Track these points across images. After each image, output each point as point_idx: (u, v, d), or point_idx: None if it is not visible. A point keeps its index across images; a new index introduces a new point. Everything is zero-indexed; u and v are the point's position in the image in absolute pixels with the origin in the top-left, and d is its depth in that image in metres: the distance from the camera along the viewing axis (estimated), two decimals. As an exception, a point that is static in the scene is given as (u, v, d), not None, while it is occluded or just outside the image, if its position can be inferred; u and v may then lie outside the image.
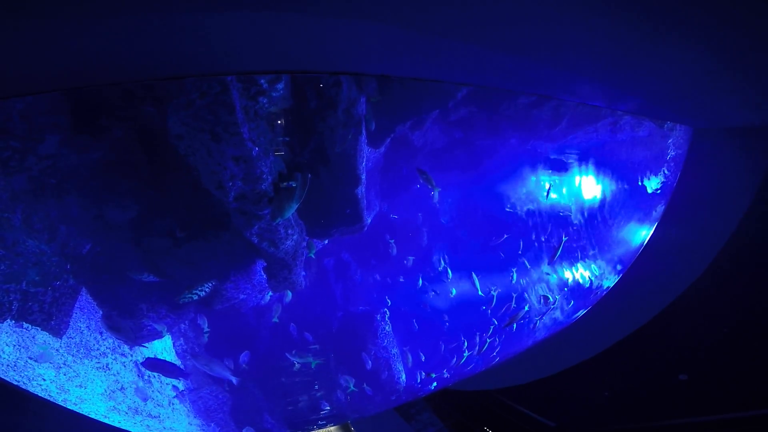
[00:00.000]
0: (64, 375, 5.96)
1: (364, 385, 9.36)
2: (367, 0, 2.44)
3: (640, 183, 9.63)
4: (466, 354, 10.08)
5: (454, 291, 10.54)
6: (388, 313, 10.04)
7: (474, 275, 9.81)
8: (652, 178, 9.25)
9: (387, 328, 9.97)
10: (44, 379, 5.67)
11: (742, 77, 3.56)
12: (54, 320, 5.88)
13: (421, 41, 3.01)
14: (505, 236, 10.04)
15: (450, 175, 9.78)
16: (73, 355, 6.22)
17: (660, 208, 7.38)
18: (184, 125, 5.10)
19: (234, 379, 6.91)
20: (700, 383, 5.85)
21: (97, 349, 6.62)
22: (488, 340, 9.94)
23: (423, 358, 10.36)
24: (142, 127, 5.46)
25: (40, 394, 5.51)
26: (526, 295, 10.58)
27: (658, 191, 9.03)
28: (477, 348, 10.03)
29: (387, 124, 7.81)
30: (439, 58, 3.45)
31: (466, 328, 10.63)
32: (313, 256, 7.66)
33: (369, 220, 8.05)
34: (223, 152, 5.25)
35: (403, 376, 10.01)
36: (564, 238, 10.52)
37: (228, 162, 5.30)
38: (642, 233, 8.78)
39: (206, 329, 7.39)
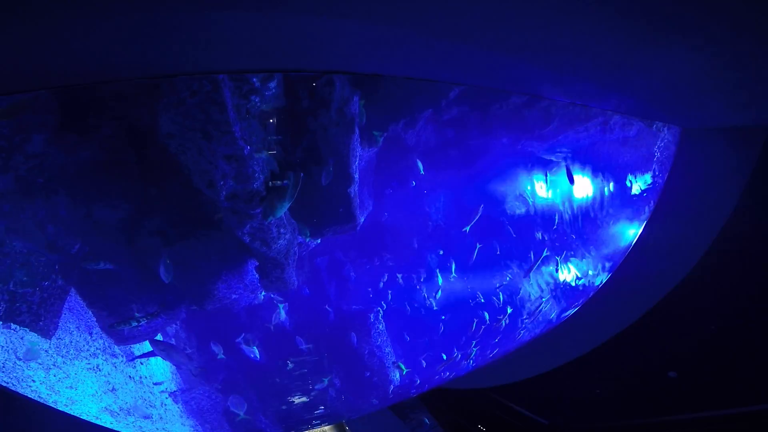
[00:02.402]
0: (54, 376, 5.90)
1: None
2: (360, -1, 2.45)
3: (629, 182, 9.72)
4: (458, 356, 10.11)
5: (440, 291, 10.56)
6: (381, 312, 10.05)
7: (477, 246, 9.76)
8: (641, 177, 9.34)
9: (380, 327, 9.98)
10: (34, 381, 5.61)
11: (731, 77, 3.62)
12: (42, 321, 5.82)
13: (414, 40, 3.03)
14: (479, 246, 10.03)
15: (443, 174, 9.80)
16: (62, 356, 6.16)
17: (649, 208, 7.46)
18: (175, 124, 5.07)
19: (194, 369, 6.83)
20: (689, 380, 5.94)
21: (87, 350, 6.56)
22: (474, 350, 9.99)
23: (424, 364, 10.37)
24: (132, 125, 5.42)
25: (30, 396, 5.46)
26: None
27: (647, 190, 9.12)
28: (469, 357, 10.06)
29: (380, 123, 7.81)
30: (432, 57, 3.47)
31: (458, 329, 10.66)
32: (309, 240, 7.61)
33: (362, 220, 8.05)
34: (215, 151, 5.23)
35: (397, 375, 10.03)
36: (545, 253, 10.58)
37: (219, 161, 5.28)
38: (631, 232, 8.87)
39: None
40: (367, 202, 8.58)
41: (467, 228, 9.53)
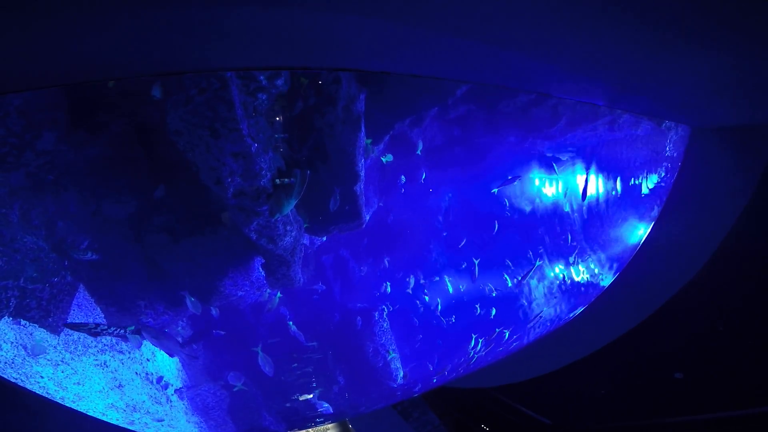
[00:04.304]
0: (62, 372, 5.93)
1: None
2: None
3: (637, 182, 9.67)
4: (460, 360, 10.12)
5: (450, 288, 10.55)
6: (386, 310, 10.05)
7: (475, 262, 9.81)
8: (650, 176, 9.29)
9: (385, 325, 9.99)
10: (42, 377, 5.64)
11: (741, 77, 3.58)
12: (52, 317, 5.85)
13: (421, 37, 3.01)
14: (477, 261, 10.03)
15: (449, 173, 9.79)
16: (71, 352, 6.19)
17: (657, 207, 7.41)
18: (183, 121, 5.09)
19: (186, 357, 6.81)
20: (695, 381, 5.90)
21: (95, 346, 6.60)
22: (475, 357, 9.98)
23: (431, 368, 10.37)
24: (141, 123, 5.45)
25: (38, 392, 5.49)
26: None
27: (656, 190, 9.07)
28: (468, 359, 10.06)
29: (386, 121, 7.80)
30: (439, 54, 3.45)
31: (460, 330, 10.66)
32: (306, 225, 7.59)
33: (367, 217, 8.05)
34: (222, 148, 5.24)
35: (401, 374, 10.04)
36: (537, 263, 10.56)
37: (227, 158, 5.29)
38: (639, 232, 8.83)
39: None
40: (373, 200, 8.58)
41: (495, 190, 9.55)
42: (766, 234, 5.18)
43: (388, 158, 8.50)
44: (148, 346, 7.47)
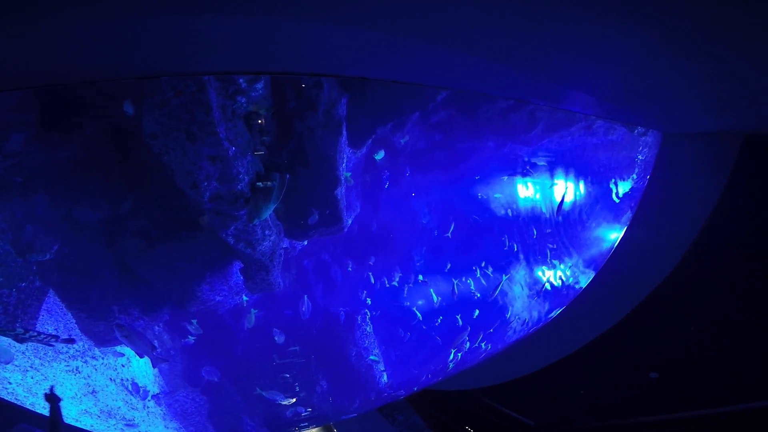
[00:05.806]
0: (32, 378, 5.79)
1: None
2: (345, 3, 2.45)
3: (611, 186, 9.89)
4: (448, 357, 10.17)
5: (435, 297, 10.61)
6: (368, 314, 10.04)
7: (454, 282, 9.93)
8: (623, 181, 9.52)
9: (368, 329, 9.97)
10: (10, 383, 5.50)
11: (710, 82, 3.69)
12: (19, 323, 5.70)
13: (400, 45, 3.04)
14: (456, 282, 10.15)
15: (430, 177, 9.86)
16: (40, 359, 6.04)
17: (630, 210, 7.58)
18: (159, 124, 5.03)
19: (154, 360, 6.71)
20: (669, 381, 6.04)
21: (66, 352, 6.44)
22: (451, 365, 10.06)
23: (414, 372, 10.38)
24: (115, 125, 5.36)
25: (6, 398, 5.36)
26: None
27: (629, 193, 9.29)
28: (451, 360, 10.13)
29: (368, 125, 7.83)
30: (418, 61, 3.48)
31: (442, 334, 10.71)
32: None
33: (349, 222, 8.05)
34: (199, 152, 5.19)
35: (384, 377, 10.03)
36: (504, 278, 10.74)
37: (203, 161, 5.24)
38: (613, 235, 9.02)
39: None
40: (355, 204, 8.58)
41: (518, 177, 9.75)
42: (733, 235, 5.35)
43: (380, 155, 8.50)
44: (122, 350, 7.32)
